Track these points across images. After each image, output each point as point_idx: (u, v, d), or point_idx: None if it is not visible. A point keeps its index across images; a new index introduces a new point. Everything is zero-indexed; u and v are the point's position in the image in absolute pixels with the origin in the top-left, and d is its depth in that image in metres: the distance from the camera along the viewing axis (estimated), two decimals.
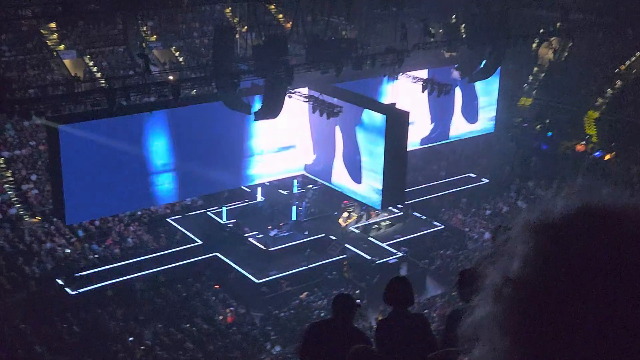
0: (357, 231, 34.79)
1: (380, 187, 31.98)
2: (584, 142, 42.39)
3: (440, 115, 38.40)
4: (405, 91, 34.36)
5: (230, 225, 34.18)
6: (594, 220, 1.17)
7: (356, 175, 33.21)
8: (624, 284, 1.10)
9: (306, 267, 31.86)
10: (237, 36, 32.70)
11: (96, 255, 31.37)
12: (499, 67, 36.69)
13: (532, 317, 1.14)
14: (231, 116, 29.84)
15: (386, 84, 35.10)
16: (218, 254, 32.26)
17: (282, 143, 33.36)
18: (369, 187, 32.76)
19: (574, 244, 1.15)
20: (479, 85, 38.69)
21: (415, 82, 34.48)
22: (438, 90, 33.87)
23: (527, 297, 1.15)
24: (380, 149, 31.76)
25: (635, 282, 1.10)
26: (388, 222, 35.87)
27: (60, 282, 29.59)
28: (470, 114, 40.08)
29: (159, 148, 29.80)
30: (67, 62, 37.71)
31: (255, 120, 29.74)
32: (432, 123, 38.33)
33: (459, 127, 40.03)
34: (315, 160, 34.53)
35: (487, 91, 39.92)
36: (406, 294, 7.23)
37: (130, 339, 27.57)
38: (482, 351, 1.20)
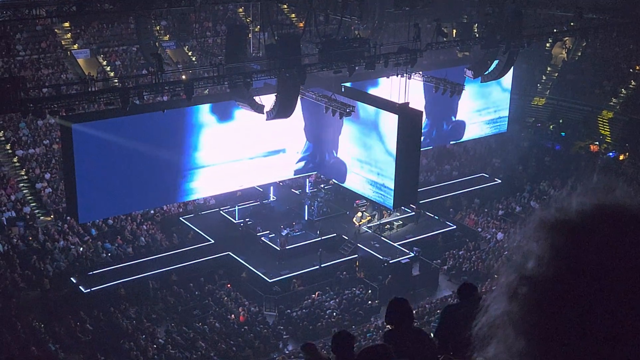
0: (369, 231, 34.75)
1: (375, 179, 32.41)
2: (597, 142, 42.16)
3: (438, 117, 37.93)
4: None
5: (242, 224, 34.21)
6: (610, 219, 1.15)
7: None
8: None
9: (318, 267, 31.85)
10: (249, 36, 32.71)
11: (109, 254, 31.49)
12: (512, 67, 36.46)
13: (549, 316, 1.12)
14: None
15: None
16: (230, 253, 32.31)
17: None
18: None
19: (591, 242, 1.13)
20: (481, 88, 38.19)
21: (427, 82, 34.40)
22: (451, 91, 33.76)
23: (543, 297, 1.14)
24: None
25: None
26: (400, 222, 35.80)
27: (73, 280, 29.74)
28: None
29: (166, 147, 29.97)
30: (80, 61, 37.90)
31: (267, 119, 29.76)
32: (427, 126, 37.78)
33: (460, 131, 39.70)
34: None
35: (498, 91, 39.53)
36: (405, 314, 7.15)
37: (143, 337, 27.66)
38: (496, 350, 1.19)
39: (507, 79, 38.19)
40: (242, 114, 30.86)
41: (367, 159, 32.87)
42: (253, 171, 32.48)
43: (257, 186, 34.99)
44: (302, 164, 34.31)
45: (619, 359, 1.08)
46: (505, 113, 40.56)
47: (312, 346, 8.79)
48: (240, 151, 31.69)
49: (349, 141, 33.43)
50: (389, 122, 31.24)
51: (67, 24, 38.55)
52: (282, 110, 29.09)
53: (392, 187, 31.81)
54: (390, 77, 32.09)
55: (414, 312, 29.09)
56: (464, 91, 33.97)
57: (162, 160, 29.74)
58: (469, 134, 39.97)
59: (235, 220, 34.57)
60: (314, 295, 30.78)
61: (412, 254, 32.93)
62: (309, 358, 8.41)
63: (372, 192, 33.01)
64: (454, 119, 38.85)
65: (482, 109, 39.48)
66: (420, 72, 34.05)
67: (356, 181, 33.72)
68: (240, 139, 31.38)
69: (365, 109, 32.02)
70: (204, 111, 30.79)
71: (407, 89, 31.74)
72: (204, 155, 30.82)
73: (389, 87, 32.83)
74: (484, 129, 40.32)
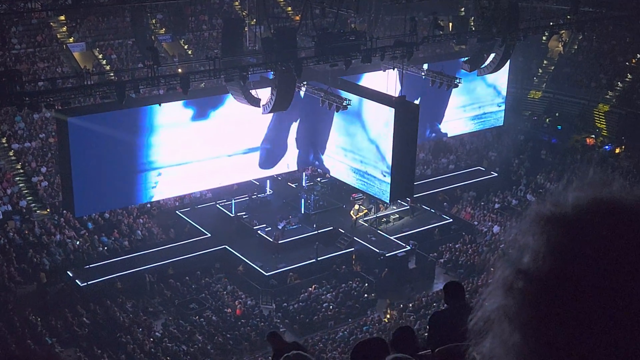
0: (365, 224, 34.77)
1: (358, 166, 32.70)
2: (593, 136, 42.20)
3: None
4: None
5: (238, 218, 34.18)
6: (606, 213, 1.15)
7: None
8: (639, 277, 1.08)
9: (315, 260, 31.88)
10: (246, 29, 32.63)
11: (105, 248, 31.48)
12: (509, 60, 36.41)
13: (544, 311, 1.12)
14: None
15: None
16: (227, 247, 32.31)
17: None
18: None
19: (587, 236, 1.13)
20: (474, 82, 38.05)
21: (424, 76, 34.38)
22: (447, 84, 33.77)
23: (539, 291, 1.13)
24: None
25: None
26: (397, 216, 35.82)
27: (70, 274, 29.73)
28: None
29: (163, 142, 29.86)
30: (76, 54, 37.73)
31: (263, 113, 29.73)
32: None
33: (445, 127, 39.55)
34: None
35: (483, 87, 39.33)
36: (411, 342, 6.98)
37: (140, 330, 27.67)
38: (492, 345, 1.19)
39: (494, 75, 37.86)
40: (220, 111, 30.72)
41: (350, 147, 33.03)
42: (232, 168, 32.17)
43: (254, 179, 34.96)
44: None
45: (616, 354, 1.08)
46: (491, 109, 40.10)
47: (276, 334, 8.84)
48: (218, 148, 31.39)
49: (333, 130, 33.50)
50: (373, 111, 31.30)
51: (62, 18, 38.38)
52: (278, 103, 29.07)
53: (375, 174, 31.95)
54: (387, 70, 32.07)
55: (410, 305, 29.30)
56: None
57: (155, 154, 29.72)
58: (454, 131, 39.83)
59: (231, 213, 34.56)
60: (310, 289, 30.80)
61: (409, 247, 32.97)
62: (274, 346, 8.45)
63: (356, 180, 33.22)
64: (438, 125, 38.92)
65: (467, 105, 39.20)
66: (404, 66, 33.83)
67: (341, 169, 33.81)
68: (219, 136, 31.08)
69: (350, 98, 31.85)
70: (182, 108, 30.29)
71: (402, 82, 31.77)
72: (184, 152, 30.56)
73: (372, 81, 33.00)
74: (469, 125, 40.08)
